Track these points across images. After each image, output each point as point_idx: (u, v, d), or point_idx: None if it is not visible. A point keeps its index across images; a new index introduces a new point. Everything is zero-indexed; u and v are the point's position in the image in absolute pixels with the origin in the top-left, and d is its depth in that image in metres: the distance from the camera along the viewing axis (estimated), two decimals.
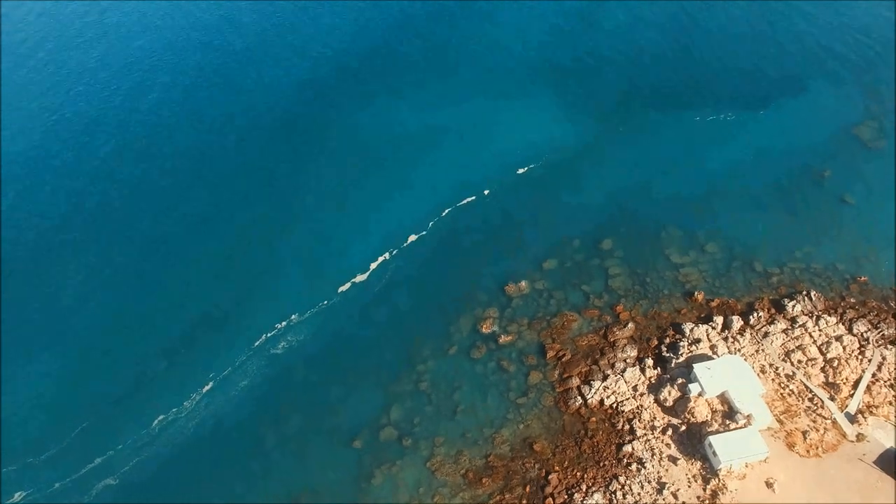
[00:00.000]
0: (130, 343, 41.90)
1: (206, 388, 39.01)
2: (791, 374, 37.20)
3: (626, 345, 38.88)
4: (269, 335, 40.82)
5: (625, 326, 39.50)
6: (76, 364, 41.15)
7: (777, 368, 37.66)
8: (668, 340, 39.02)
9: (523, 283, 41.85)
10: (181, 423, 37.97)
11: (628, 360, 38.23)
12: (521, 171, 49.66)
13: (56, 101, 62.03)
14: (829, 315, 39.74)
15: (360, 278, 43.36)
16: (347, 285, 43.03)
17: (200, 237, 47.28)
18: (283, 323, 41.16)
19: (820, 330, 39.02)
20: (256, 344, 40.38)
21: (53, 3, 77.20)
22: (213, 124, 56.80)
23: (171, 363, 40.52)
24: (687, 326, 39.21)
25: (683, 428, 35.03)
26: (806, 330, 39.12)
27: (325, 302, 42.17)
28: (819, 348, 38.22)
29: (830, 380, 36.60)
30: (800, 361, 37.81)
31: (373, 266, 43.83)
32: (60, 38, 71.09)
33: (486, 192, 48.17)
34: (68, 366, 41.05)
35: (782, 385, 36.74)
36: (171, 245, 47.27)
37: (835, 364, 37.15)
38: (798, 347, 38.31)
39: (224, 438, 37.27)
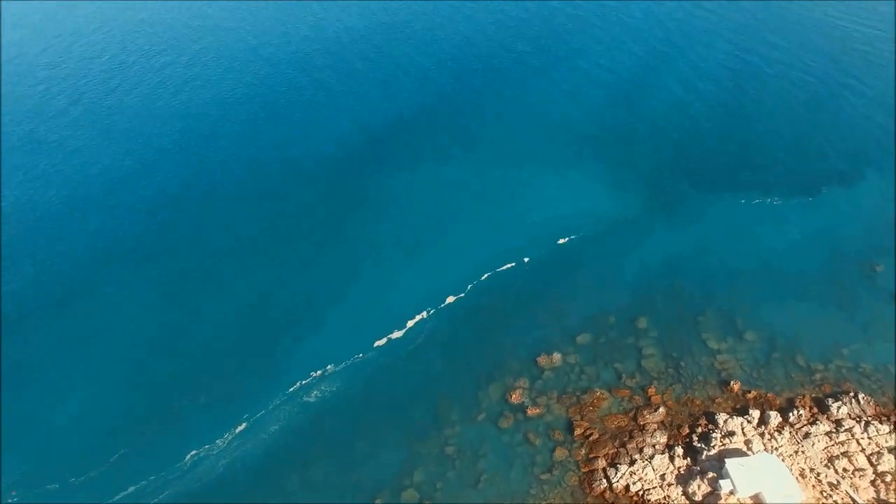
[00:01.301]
0: (171, 374, 43.90)
1: (239, 428, 40.27)
2: (836, 483, 35.07)
3: (655, 430, 38.01)
4: (303, 382, 42.18)
5: (656, 410, 38.80)
6: (117, 390, 43.27)
7: (819, 474, 35.62)
8: (700, 430, 37.84)
9: (556, 356, 41.99)
10: (212, 461, 39.14)
11: (657, 447, 37.28)
12: (561, 241, 50.57)
13: (118, 135, 67.85)
14: (881, 423, 37.55)
15: (396, 334, 44.56)
16: (384, 340, 44.24)
17: (245, 277, 49.75)
18: (319, 372, 42.52)
19: (870, 438, 36.90)
20: (291, 390, 41.73)
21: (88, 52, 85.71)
22: (264, 172, 60.41)
23: (209, 399, 42.16)
24: (721, 417, 38.06)
25: None
26: (853, 436, 37.07)
27: (361, 355, 43.40)
28: (868, 458, 36.00)
29: (882, 496, 34.24)
30: (845, 470, 35.61)
31: (410, 324, 45.01)
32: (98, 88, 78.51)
33: (525, 259, 49.17)
34: (110, 391, 43.20)
35: (825, 494, 34.61)
36: (215, 282, 49.86)
37: (887, 479, 34.82)
38: (843, 454, 36.26)
39: (251, 479, 38.08)
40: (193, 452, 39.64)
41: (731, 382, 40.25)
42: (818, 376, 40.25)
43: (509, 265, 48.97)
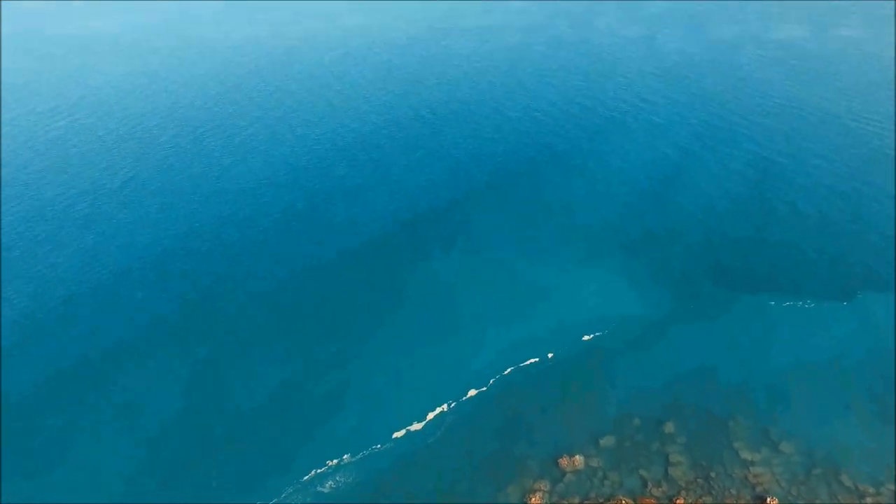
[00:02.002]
0: (186, 456, 43.63)
1: None
2: None
3: None
4: (318, 471, 41.53)
5: None
6: (129, 470, 42.91)
7: None
8: None
9: (578, 458, 40.50)
10: None
11: None
12: (586, 337, 50.40)
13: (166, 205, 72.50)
14: None
15: (415, 426, 44.05)
16: (402, 432, 43.71)
17: (268, 362, 50.59)
18: (335, 461, 41.95)
19: None
20: (305, 478, 41.03)
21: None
22: (293, 258, 62.90)
23: (222, 482, 41.58)
24: None
25: None
26: None
27: (379, 446, 42.82)
28: None
29: None
30: None
31: (430, 416, 44.56)
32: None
33: (549, 354, 48.94)
34: (120, 471, 42.86)
35: None
36: (230, 361, 50.58)
37: None
38: None
39: None
40: None
41: (768, 499, 37.58)
42: (869, 500, 37.21)
43: (533, 360, 48.76)
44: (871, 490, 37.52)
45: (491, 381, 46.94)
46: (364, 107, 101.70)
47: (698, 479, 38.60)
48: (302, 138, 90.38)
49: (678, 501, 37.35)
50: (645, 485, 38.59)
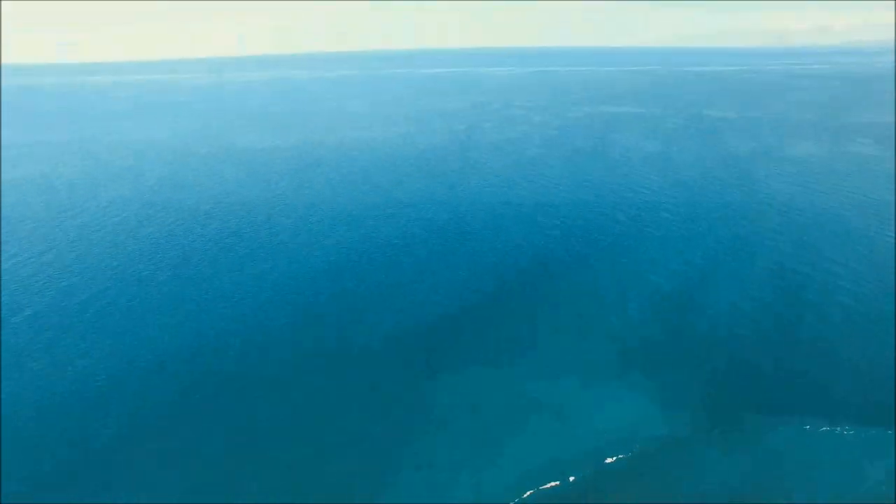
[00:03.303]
0: None
1: None
2: None
3: None
4: None
5: None
6: None
7: None
8: None
9: None
10: None
11: None
12: (609, 460, 47.84)
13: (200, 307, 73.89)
14: None
15: None
16: None
17: (275, 481, 49.05)
18: None
19: None
20: None
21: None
22: (301, 371, 62.67)
23: None
24: None
25: None
26: None
27: None
28: None
29: None
30: None
31: None
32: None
33: (571, 478, 46.33)
34: None
35: None
36: (237, 480, 49.15)
37: None
38: None
39: None
40: None
41: None
42: None
43: (553, 483, 46.16)
44: None
45: None
46: (383, 213, 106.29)
47: None
48: (323, 244, 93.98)
49: None
50: None
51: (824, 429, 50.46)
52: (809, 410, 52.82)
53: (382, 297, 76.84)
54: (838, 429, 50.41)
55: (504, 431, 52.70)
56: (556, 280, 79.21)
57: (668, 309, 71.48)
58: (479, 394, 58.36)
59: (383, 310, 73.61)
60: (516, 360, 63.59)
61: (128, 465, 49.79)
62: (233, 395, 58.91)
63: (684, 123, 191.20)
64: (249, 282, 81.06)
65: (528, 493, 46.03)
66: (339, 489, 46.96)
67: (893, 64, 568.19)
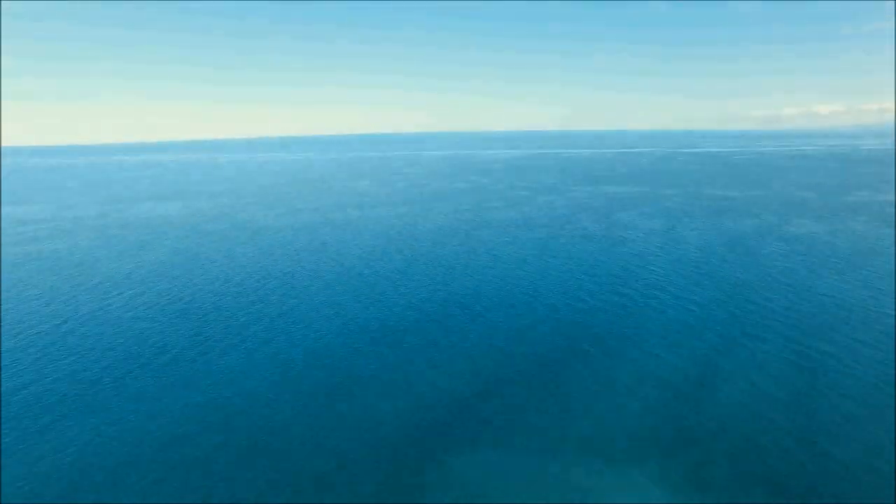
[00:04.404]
0: None
1: None
2: None
3: None
4: None
5: None
6: None
7: None
8: None
9: None
10: None
11: None
12: None
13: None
14: None
15: None
16: None
17: None
18: None
19: None
20: None
21: None
22: (306, 458, 60.62)
23: None
24: None
25: None
26: None
27: None
28: None
29: None
30: None
31: None
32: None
33: None
34: None
35: None
36: None
37: None
38: None
39: None
40: None
41: None
42: None
43: None
44: None
45: None
46: (388, 295, 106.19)
47: None
48: (329, 324, 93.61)
49: None
50: None
51: None
52: None
53: (390, 379, 75.54)
54: None
55: None
56: (561, 365, 77.52)
57: (678, 394, 68.88)
58: (491, 477, 55.04)
59: (390, 393, 72.06)
60: (527, 443, 60.51)
61: None
62: (225, 479, 57.27)
63: (688, 202, 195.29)
64: (262, 361, 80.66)
65: None
66: None
67: (875, 147, 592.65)
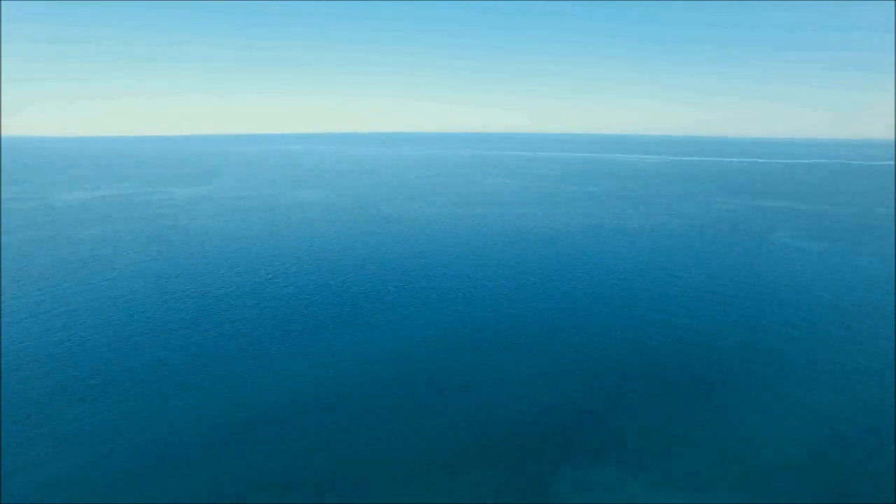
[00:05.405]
0: None
1: None
2: None
3: None
4: None
5: None
6: None
7: None
8: None
9: None
10: None
11: None
12: None
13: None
14: None
15: None
16: None
17: None
18: None
19: None
20: None
21: None
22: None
23: None
24: None
25: None
26: None
27: None
28: None
29: None
30: None
31: None
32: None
33: None
34: None
35: None
36: None
37: None
38: None
39: None
40: None
41: None
42: None
43: None
44: None
45: None
46: (519, 295, 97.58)
47: None
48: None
49: None
50: None
51: None
52: None
53: (519, 379, 66.50)
54: None
55: None
56: (692, 385, 63.69)
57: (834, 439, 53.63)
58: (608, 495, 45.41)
59: (516, 393, 62.83)
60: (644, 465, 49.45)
61: None
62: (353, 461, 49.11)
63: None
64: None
65: None
66: None
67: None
